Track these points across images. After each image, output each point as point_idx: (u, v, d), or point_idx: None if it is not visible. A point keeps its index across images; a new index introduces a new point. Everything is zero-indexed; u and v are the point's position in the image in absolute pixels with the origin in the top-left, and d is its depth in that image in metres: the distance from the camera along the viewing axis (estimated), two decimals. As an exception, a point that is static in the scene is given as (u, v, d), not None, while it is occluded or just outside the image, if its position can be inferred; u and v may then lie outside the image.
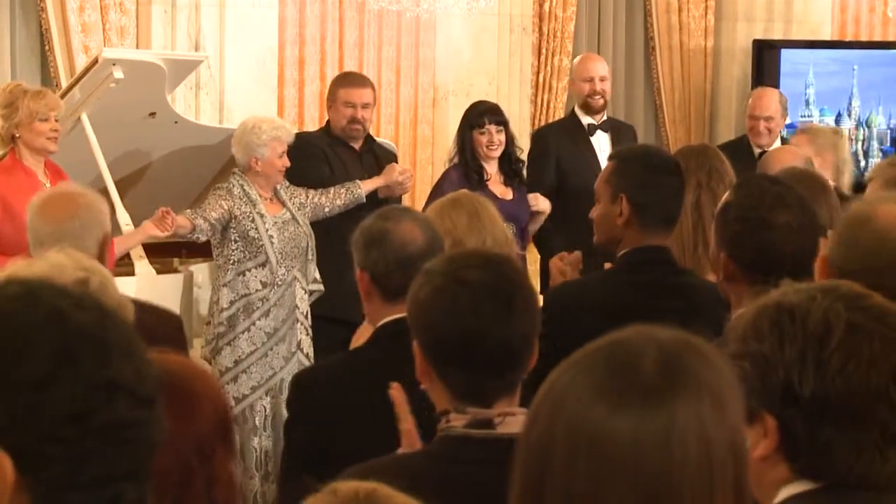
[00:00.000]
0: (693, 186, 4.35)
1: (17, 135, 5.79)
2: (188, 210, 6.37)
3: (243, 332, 6.29)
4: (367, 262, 3.38)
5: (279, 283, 6.31)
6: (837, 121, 9.56)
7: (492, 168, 6.87)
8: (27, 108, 5.75)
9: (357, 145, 6.86)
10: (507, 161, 6.90)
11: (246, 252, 6.30)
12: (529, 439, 1.59)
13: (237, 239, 6.30)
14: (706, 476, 1.55)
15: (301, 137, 6.78)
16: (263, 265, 6.30)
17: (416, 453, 2.63)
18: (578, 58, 7.94)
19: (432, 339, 2.57)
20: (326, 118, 7.05)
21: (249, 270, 6.30)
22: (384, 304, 3.35)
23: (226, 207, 6.29)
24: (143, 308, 4.13)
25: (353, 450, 3.18)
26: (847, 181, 6.05)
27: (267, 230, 6.29)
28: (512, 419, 2.48)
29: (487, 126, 6.80)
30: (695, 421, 1.54)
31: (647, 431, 1.52)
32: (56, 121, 5.85)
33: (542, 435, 1.56)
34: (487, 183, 6.80)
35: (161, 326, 4.03)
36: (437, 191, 6.84)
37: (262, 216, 6.29)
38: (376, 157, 6.95)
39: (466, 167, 6.83)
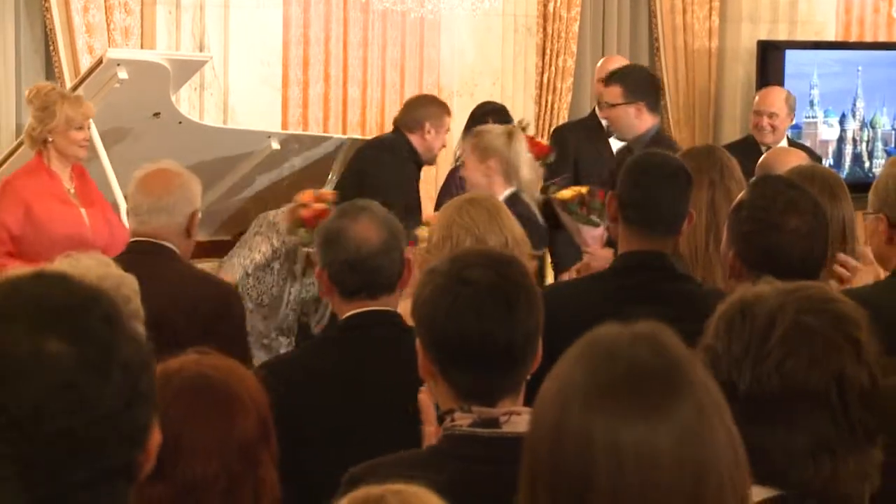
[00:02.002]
0: (706, 185, 4.33)
1: (51, 139, 5.72)
2: None
3: None
4: (324, 261, 3.44)
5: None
6: (842, 122, 9.55)
7: None
8: (65, 114, 5.68)
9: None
10: None
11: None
12: (545, 464, 1.60)
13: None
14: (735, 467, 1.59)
15: (402, 166, 6.78)
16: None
17: (422, 451, 2.63)
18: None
19: (434, 339, 2.57)
20: (401, 135, 6.93)
21: None
22: (343, 301, 3.42)
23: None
24: (200, 279, 4.50)
25: (312, 441, 3.22)
26: (526, 175, 5.76)
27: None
28: (517, 418, 2.48)
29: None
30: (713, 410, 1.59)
31: (682, 438, 1.56)
32: (88, 129, 5.82)
33: (574, 459, 1.57)
34: None
35: (220, 297, 4.40)
36: (444, 194, 6.90)
37: None
38: None
39: None
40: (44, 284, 1.60)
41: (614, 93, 6.31)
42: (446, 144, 7.11)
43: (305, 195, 5.85)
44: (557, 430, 1.59)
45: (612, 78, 6.43)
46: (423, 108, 6.95)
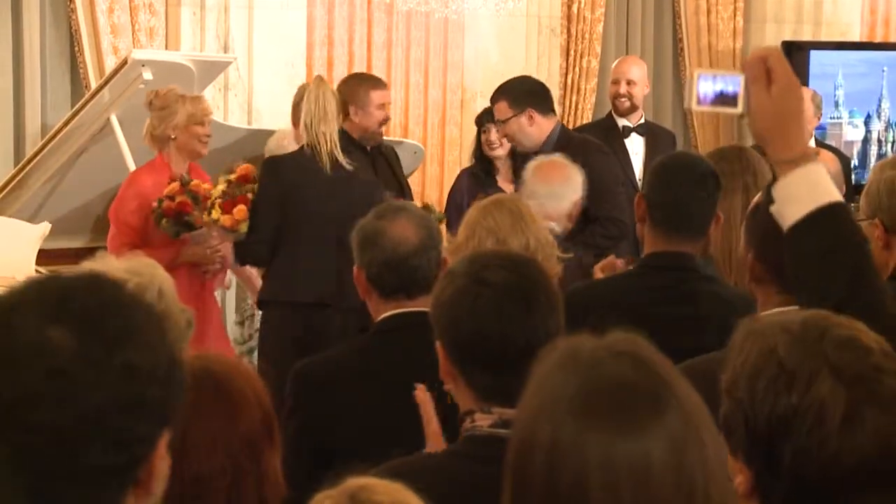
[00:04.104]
0: (741, 189, 4.31)
1: (174, 136, 6.00)
2: None
3: None
4: (362, 262, 3.47)
5: None
6: (867, 122, 9.52)
7: (503, 165, 6.85)
8: (186, 111, 5.97)
9: (369, 147, 6.62)
10: (513, 161, 6.86)
11: None
12: (542, 483, 1.60)
13: None
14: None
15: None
16: None
17: (442, 453, 2.63)
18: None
19: (455, 340, 2.58)
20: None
21: None
22: (381, 301, 3.45)
23: None
24: None
25: (349, 442, 3.22)
26: (304, 118, 5.80)
27: None
28: (538, 419, 2.48)
29: (488, 124, 6.81)
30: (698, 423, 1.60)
31: (673, 449, 1.57)
32: (208, 125, 6.09)
33: (571, 476, 1.58)
34: (497, 179, 6.79)
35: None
36: (450, 198, 6.88)
37: None
38: (386, 158, 6.84)
39: (476, 167, 6.88)
40: (78, 282, 1.60)
41: (501, 108, 6.29)
42: (389, 117, 6.69)
43: (195, 185, 5.93)
44: (552, 446, 1.59)
45: (495, 94, 6.40)
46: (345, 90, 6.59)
